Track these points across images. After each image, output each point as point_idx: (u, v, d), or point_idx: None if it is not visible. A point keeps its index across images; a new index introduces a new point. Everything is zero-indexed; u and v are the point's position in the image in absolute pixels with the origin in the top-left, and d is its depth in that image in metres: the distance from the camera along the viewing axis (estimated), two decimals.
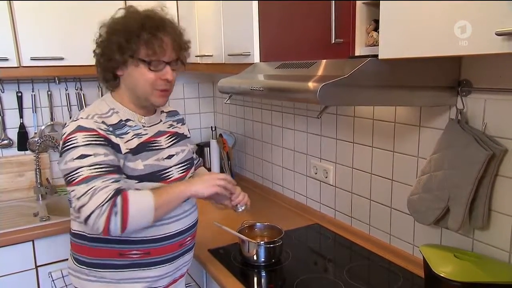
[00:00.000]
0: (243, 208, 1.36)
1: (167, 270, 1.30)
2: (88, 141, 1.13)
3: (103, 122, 1.19)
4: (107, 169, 1.13)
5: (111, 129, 1.20)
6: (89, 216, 1.07)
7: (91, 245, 1.24)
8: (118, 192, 1.10)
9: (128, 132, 1.24)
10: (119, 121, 1.24)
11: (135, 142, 1.24)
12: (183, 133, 1.43)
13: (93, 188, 1.09)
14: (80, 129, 1.14)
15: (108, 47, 1.21)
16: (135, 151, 1.22)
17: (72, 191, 1.11)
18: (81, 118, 1.18)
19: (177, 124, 1.44)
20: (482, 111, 1.19)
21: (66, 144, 1.14)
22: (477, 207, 1.18)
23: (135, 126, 1.27)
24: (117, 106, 1.26)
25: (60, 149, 1.17)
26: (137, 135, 1.26)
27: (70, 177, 1.11)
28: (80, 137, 1.13)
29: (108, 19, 1.25)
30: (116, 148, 1.18)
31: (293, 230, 1.81)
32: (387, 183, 1.55)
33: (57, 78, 2.32)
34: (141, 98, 1.26)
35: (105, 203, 1.08)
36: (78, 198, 1.09)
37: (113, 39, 1.20)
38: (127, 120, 1.26)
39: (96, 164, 1.12)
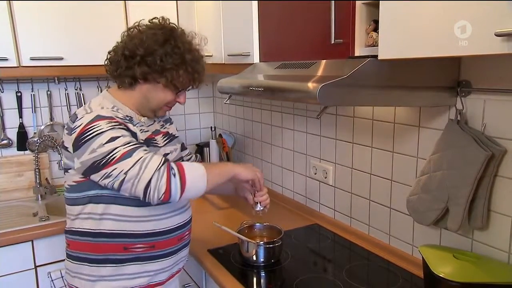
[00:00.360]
0: (261, 209, 1.43)
1: (167, 264, 1.33)
2: (112, 126, 1.15)
3: (117, 112, 1.23)
4: (140, 144, 1.17)
5: (129, 118, 1.24)
6: (149, 182, 1.09)
7: (94, 241, 1.24)
8: (167, 159, 1.15)
9: (136, 126, 1.27)
10: (126, 116, 1.26)
11: (143, 136, 1.27)
12: (172, 133, 1.46)
13: (141, 159, 1.11)
14: (100, 117, 1.16)
15: (151, 57, 1.21)
16: (146, 144, 1.25)
17: (114, 169, 1.11)
18: (96, 109, 1.20)
19: (165, 124, 1.46)
20: (482, 112, 1.19)
21: (89, 133, 1.13)
22: (476, 208, 1.18)
23: (138, 123, 1.29)
24: (118, 104, 1.28)
25: (75, 141, 1.15)
26: (142, 130, 1.29)
27: (106, 159, 1.11)
28: (103, 124, 1.14)
29: (152, 26, 1.26)
30: (134, 136, 1.21)
31: (293, 230, 1.81)
32: (387, 184, 1.55)
33: (56, 78, 2.32)
34: (148, 109, 1.31)
35: (161, 166, 1.11)
36: (126, 172, 1.10)
37: (158, 54, 1.21)
38: (130, 117, 1.28)
39: (129, 142, 1.14)
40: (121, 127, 1.17)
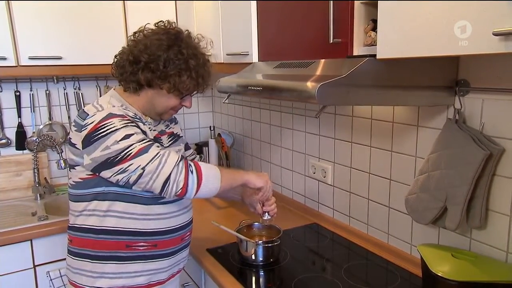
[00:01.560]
0: (269, 217, 1.46)
1: (168, 263, 1.33)
2: (124, 123, 1.16)
3: (127, 110, 1.24)
4: (153, 142, 1.18)
5: (138, 117, 1.25)
6: (168, 176, 1.12)
7: (96, 237, 1.24)
8: (183, 156, 1.18)
9: (145, 125, 1.27)
10: (135, 114, 1.26)
11: (151, 135, 1.28)
12: (177, 133, 1.47)
13: (159, 154, 1.14)
14: (112, 115, 1.17)
15: (154, 63, 1.22)
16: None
17: (130, 165, 1.12)
18: (107, 107, 1.21)
19: (170, 124, 1.46)
20: (480, 111, 1.19)
21: (102, 130, 1.14)
22: (474, 207, 1.18)
23: (146, 122, 1.30)
24: (125, 104, 1.29)
25: (86, 138, 1.15)
26: (150, 129, 1.29)
27: (121, 156, 1.12)
28: (116, 122, 1.15)
29: (157, 31, 1.26)
30: (144, 134, 1.22)
31: (291, 229, 1.81)
32: (385, 183, 1.55)
33: (55, 77, 2.32)
34: (154, 112, 1.31)
35: (179, 161, 1.14)
36: (144, 167, 1.12)
37: (162, 60, 1.21)
38: (139, 116, 1.29)
39: (143, 139, 1.16)
40: (133, 124, 1.18)
